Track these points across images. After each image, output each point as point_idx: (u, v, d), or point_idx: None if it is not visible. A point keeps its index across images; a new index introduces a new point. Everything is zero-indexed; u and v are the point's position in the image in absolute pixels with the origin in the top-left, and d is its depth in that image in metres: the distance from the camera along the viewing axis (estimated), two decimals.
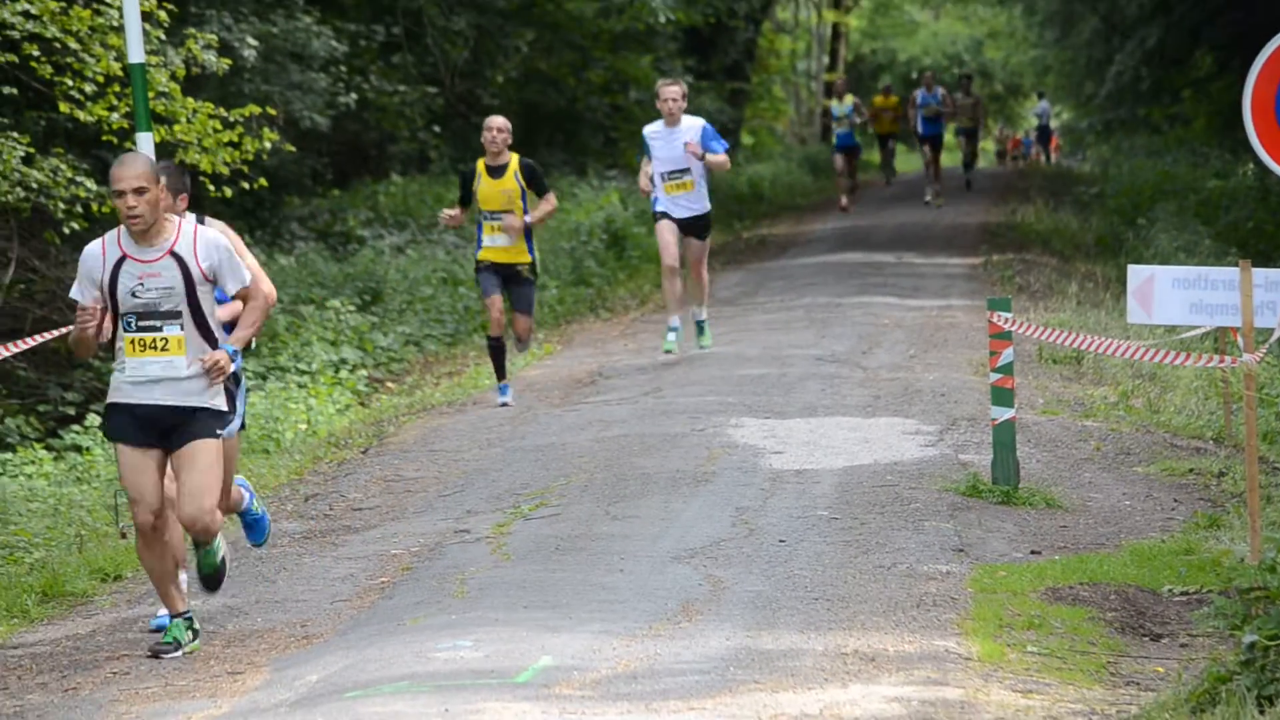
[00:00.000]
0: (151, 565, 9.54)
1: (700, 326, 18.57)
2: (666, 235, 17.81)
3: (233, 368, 9.51)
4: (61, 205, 17.32)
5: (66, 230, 17.57)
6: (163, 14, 17.41)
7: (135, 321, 9.31)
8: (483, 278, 16.34)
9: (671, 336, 17.91)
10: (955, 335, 19.53)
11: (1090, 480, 12.93)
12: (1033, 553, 10.95)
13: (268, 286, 9.88)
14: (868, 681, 8.17)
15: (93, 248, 9.42)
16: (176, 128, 17.34)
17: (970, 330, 19.58)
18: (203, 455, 9.34)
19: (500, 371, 16.56)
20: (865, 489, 12.33)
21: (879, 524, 11.40)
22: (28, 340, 12.61)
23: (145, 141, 12.23)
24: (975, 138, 41.47)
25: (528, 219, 16.16)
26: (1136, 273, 13.81)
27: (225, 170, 17.73)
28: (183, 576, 9.96)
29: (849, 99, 35.81)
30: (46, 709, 8.75)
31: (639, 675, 8.25)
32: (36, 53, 17.14)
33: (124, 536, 12.69)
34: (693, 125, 17.64)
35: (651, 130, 17.80)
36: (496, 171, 16.12)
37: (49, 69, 17.23)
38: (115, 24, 17.01)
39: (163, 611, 9.86)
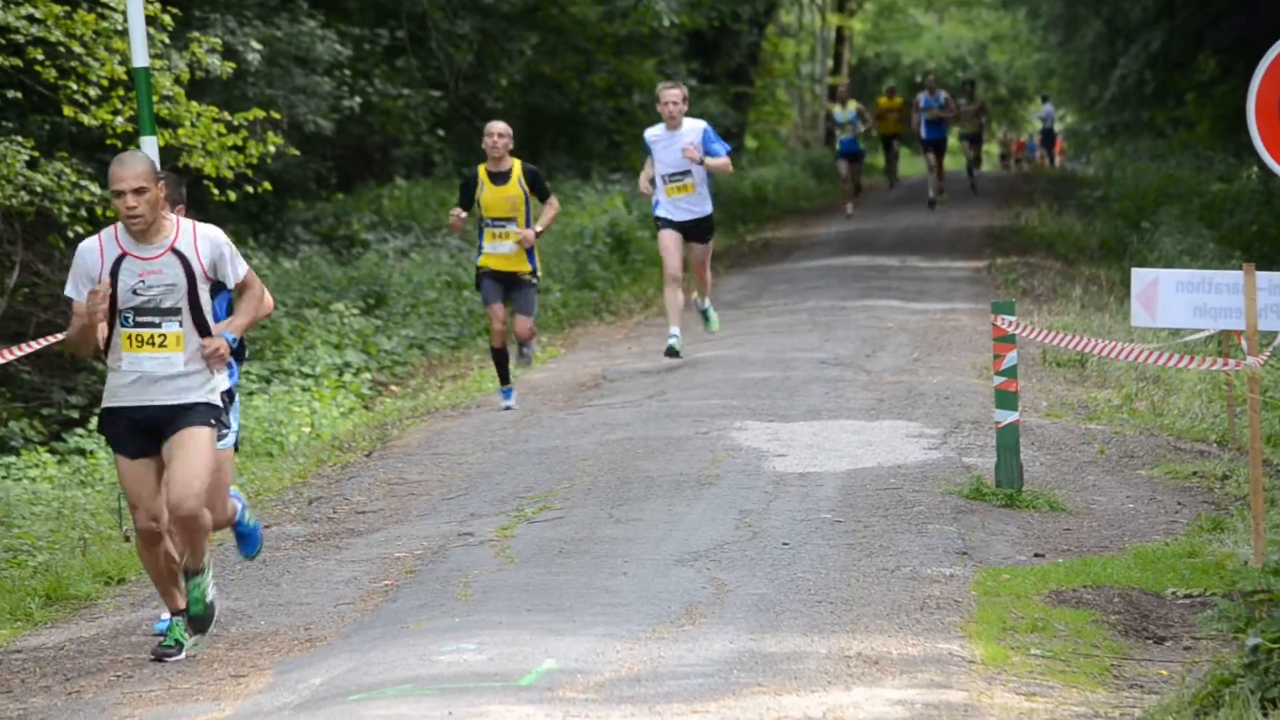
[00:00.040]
0: (152, 566, 9.55)
1: (705, 314, 18.53)
2: (669, 244, 17.72)
3: (229, 372, 9.52)
4: (65, 209, 17.33)
5: (70, 234, 17.57)
6: (167, 18, 17.43)
7: (134, 317, 9.30)
8: (484, 285, 16.30)
9: (674, 342, 17.81)
10: (959, 338, 19.53)
11: (1094, 483, 12.93)
12: (1036, 555, 10.95)
13: (268, 298, 9.90)
14: (871, 684, 8.17)
15: (90, 244, 9.39)
16: (181, 131, 17.36)
17: (974, 333, 19.58)
18: (193, 442, 9.30)
19: (503, 376, 16.55)
20: (869, 492, 12.33)
21: (882, 527, 11.40)
22: (32, 344, 12.62)
23: (149, 145, 12.24)
24: (979, 142, 41.46)
25: (538, 228, 16.13)
26: (1140, 276, 13.82)
27: (229, 174, 17.74)
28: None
29: (852, 105, 35.78)
30: (50, 712, 8.75)
31: (642, 678, 8.25)
32: (41, 57, 17.16)
33: (127, 540, 12.69)
34: (694, 128, 17.59)
35: (652, 133, 17.75)
36: (500, 178, 16.07)
37: (53, 73, 17.24)
38: (119, 28, 17.03)
39: (166, 615, 9.87)
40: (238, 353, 10.26)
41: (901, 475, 12.81)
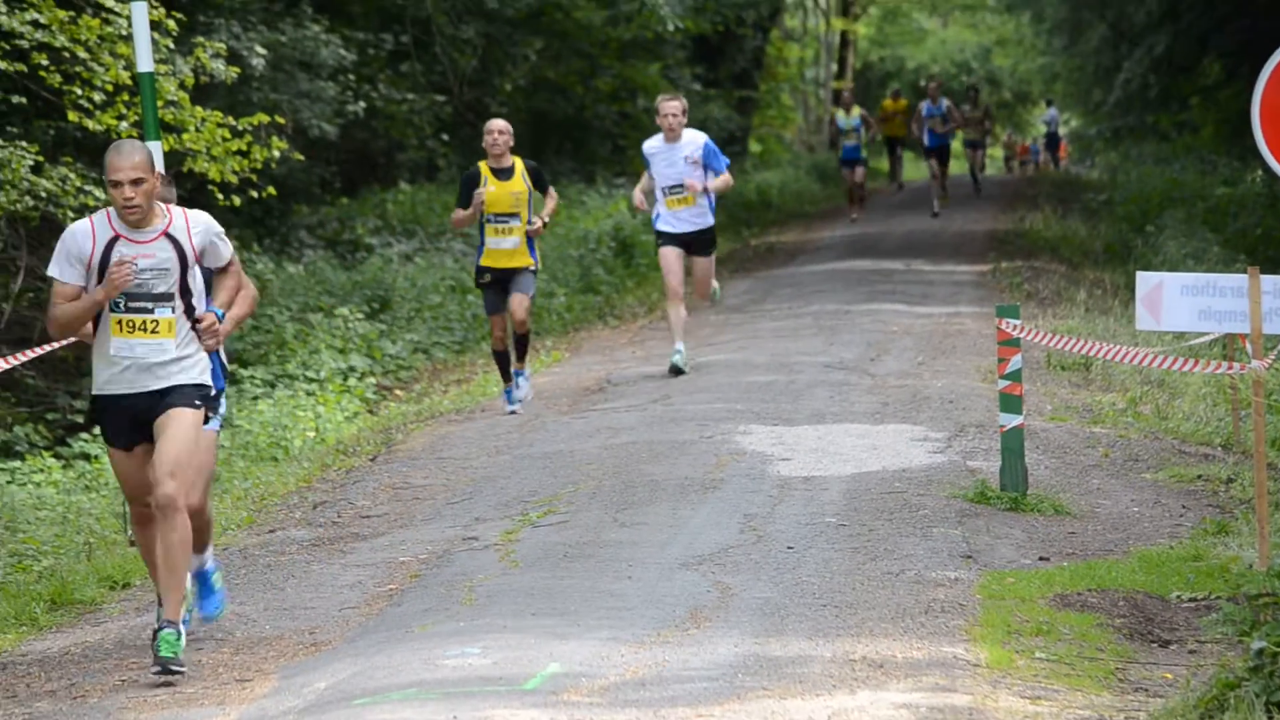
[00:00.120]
0: (150, 551, 9.48)
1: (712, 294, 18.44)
2: (670, 260, 17.60)
3: (215, 377, 9.52)
4: (70, 214, 17.33)
5: None
6: (171, 23, 17.45)
7: (125, 302, 9.27)
8: (486, 294, 16.37)
9: (678, 359, 17.76)
10: (964, 342, 19.53)
11: (1098, 487, 12.93)
12: (1041, 559, 10.95)
13: (252, 287, 9.92)
14: (876, 688, 8.17)
15: (81, 225, 9.36)
16: (185, 136, 17.37)
17: (979, 337, 19.58)
18: (177, 422, 9.26)
19: (506, 375, 16.59)
20: (873, 496, 12.33)
21: (887, 530, 11.40)
22: (36, 349, 12.62)
23: (155, 150, 12.25)
24: (982, 148, 41.41)
25: (544, 216, 16.21)
26: (1145, 279, 13.82)
27: (234, 179, 17.76)
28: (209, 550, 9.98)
29: (856, 111, 35.71)
30: (55, 716, 8.76)
31: (647, 682, 8.26)
32: (45, 62, 17.18)
33: (133, 544, 12.68)
34: (693, 140, 17.44)
35: (651, 146, 17.60)
36: (503, 174, 16.12)
37: (58, 78, 17.26)
38: (124, 33, 17.05)
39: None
40: (218, 374, 10.21)
41: (906, 479, 12.81)
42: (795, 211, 40.64)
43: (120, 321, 9.30)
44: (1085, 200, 37.11)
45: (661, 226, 17.68)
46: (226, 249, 9.50)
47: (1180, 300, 13.32)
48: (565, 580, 10.29)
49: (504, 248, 16.18)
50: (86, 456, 17.06)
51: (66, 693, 9.17)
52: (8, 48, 17.27)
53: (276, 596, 10.76)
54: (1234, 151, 36.78)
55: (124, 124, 17.22)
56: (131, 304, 9.27)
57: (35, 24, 17.08)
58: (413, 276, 24.87)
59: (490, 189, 16.04)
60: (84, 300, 9.27)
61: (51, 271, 9.36)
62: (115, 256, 9.22)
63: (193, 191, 19.63)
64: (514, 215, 16.13)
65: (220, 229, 9.50)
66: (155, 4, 16.93)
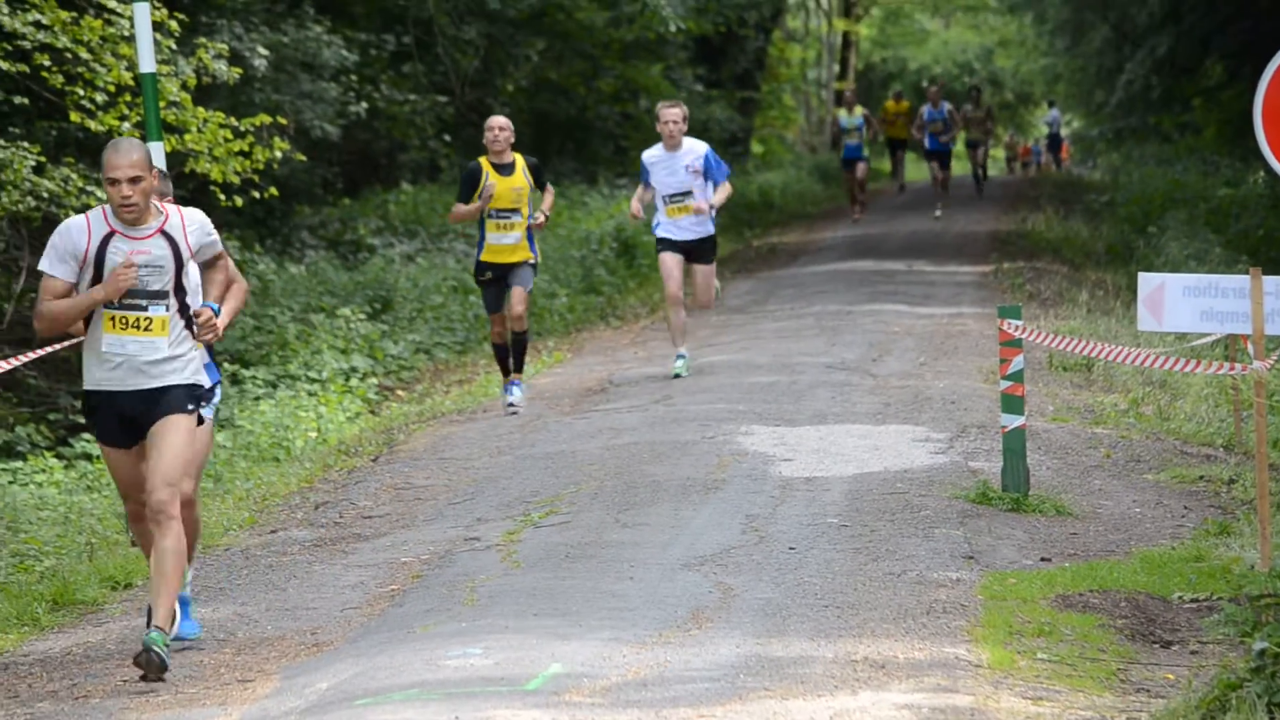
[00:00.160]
0: (148, 545, 9.46)
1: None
2: (670, 265, 17.56)
3: (210, 374, 9.51)
4: (72, 215, 17.33)
5: None
6: (174, 24, 17.46)
7: (119, 299, 9.25)
8: (486, 293, 16.42)
9: (680, 363, 17.76)
10: (965, 343, 19.54)
11: (1100, 487, 12.93)
12: (1043, 560, 10.95)
13: (242, 280, 9.93)
14: (878, 689, 8.17)
15: (76, 221, 9.34)
16: (187, 137, 17.38)
17: (980, 338, 19.58)
18: (172, 433, 9.25)
19: (505, 369, 16.63)
20: (875, 496, 12.33)
21: (889, 531, 11.40)
22: (39, 350, 12.62)
23: (156, 151, 12.26)
24: (984, 149, 41.41)
25: (545, 211, 16.29)
26: (1147, 280, 13.82)
27: (236, 179, 17.76)
28: (189, 574, 9.95)
29: (858, 111, 35.69)
30: (57, 717, 8.76)
31: (649, 682, 8.26)
32: (48, 63, 17.18)
33: (134, 544, 12.69)
34: (693, 149, 17.35)
35: (650, 155, 17.49)
36: (505, 170, 16.17)
37: (60, 79, 17.26)
38: (126, 34, 17.06)
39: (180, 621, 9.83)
40: (213, 367, 10.20)
41: (908, 480, 12.81)
42: (797, 212, 40.65)
43: (113, 318, 9.28)
44: (1087, 201, 37.11)
45: (662, 234, 17.64)
46: (217, 244, 9.50)
47: (1182, 301, 13.32)
48: (567, 581, 10.29)
49: (505, 243, 16.23)
50: (88, 457, 17.07)
51: (68, 693, 9.17)
52: (10, 48, 17.28)
53: (278, 597, 10.76)
54: (1236, 152, 36.78)
55: (126, 125, 17.23)
56: (125, 300, 9.24)
57: (37, 25, 17.08)
58: (414, 277, 24.89)
59: (491, 185, 16.09)
60: (80, 298, 9.26)
61: (42, 266, 9.34)
62: (111, 253, 9.20)
63: (194, 192, 19.64)
64: (515, 211, 16.19)
65: (211, 225, 9.49)
66: (157, 5, 16.94)
